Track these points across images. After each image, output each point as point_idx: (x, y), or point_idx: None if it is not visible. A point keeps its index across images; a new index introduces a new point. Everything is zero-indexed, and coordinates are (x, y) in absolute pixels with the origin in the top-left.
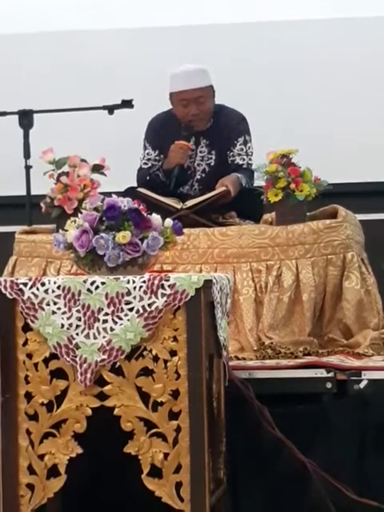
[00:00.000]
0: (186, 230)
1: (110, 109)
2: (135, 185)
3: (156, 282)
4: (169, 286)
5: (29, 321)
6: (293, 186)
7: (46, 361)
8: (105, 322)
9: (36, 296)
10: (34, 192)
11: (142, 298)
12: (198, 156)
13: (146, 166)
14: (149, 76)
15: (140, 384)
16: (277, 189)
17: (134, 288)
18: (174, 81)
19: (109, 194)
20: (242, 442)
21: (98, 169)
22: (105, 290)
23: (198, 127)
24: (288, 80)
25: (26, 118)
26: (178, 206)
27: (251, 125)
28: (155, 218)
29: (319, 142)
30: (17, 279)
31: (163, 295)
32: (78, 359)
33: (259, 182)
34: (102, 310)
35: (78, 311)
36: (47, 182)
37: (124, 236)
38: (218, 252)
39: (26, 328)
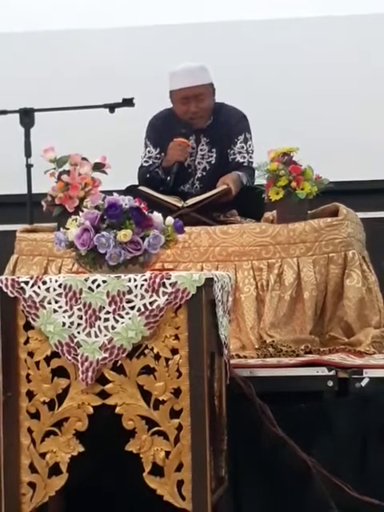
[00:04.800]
0: (187, 229)
1: (111, 107)
2: (136, 183)
3: (157, 280)
4: (170, 284)
5: (30, 319)
6: (294, 184)
7: (48, 359)
8: (106, 320)
9: (37, 294)
10: (35, 190)
11: (143, 297)
12: (199, 154)
13: (146, 164)
14: (149, 74)
15: (141, 382)
16: (278, 187)
17: (136, 286)
18: (174, 79)
19: (110, 193)
20: (244, 440)
21: (99, 167)
22: (106, 289)
23: (198, 125)
24: (289, 78)
25: (26, 117)
26: (180, 204)
27: (252, 123)
28: (156, 216)
29: (320, 140)
30: (18, 278)
31: (164, 293)
32: (79, 358)
33: (260, 180)
34: (104, 308)
35: (79, 310)
36: (48, 181)
37: (125, 234)
38: (219, 250)
39: (28, 326)
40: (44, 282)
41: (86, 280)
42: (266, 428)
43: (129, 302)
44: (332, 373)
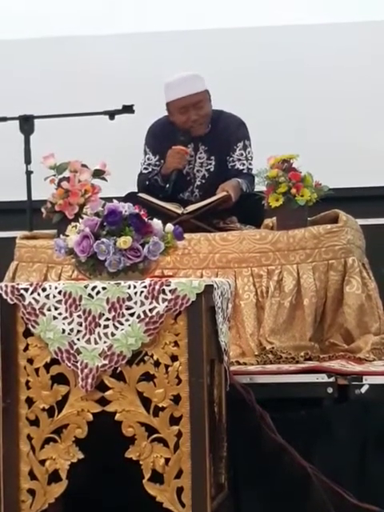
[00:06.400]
0: (186, 235)
1: (111, 114)
2: (136, 190)
3: (157, 287)
4: (170, 291)
5: (30, 326)
6: (294, 190)
7: (47, 366)
8: (106, 327)
9: (37, 301)
10: (34, 197)
11: (142, 303)
12: (197, 162)
13: (146, 171)
14: (149, 81)
15: (141, 389)
16: (278, 194)
17: (135, 293)
18: (170, 90)
19: (110, 199)
20: (243, 446)
21: (98, 174)
22: (106, 295)
23: (199, 132)
24: (288, 85)
25: (26, 124)
26: (179, 211)
27: (251, 130)
28: (156, 223)
29: (320, 146)
30: (18, 284)
31: (164, 300)
32: (78, 364)
33: (260, 187)
34: (103, 315)
35: (79, 316)
36: (48, 188)
37: (125, 241)
38: (218, 257)
39: (27, 333)
40: (44, 289)
41: (85, 287)
42: (265, 435)
43: (128, 308)
44: (332, 379)
